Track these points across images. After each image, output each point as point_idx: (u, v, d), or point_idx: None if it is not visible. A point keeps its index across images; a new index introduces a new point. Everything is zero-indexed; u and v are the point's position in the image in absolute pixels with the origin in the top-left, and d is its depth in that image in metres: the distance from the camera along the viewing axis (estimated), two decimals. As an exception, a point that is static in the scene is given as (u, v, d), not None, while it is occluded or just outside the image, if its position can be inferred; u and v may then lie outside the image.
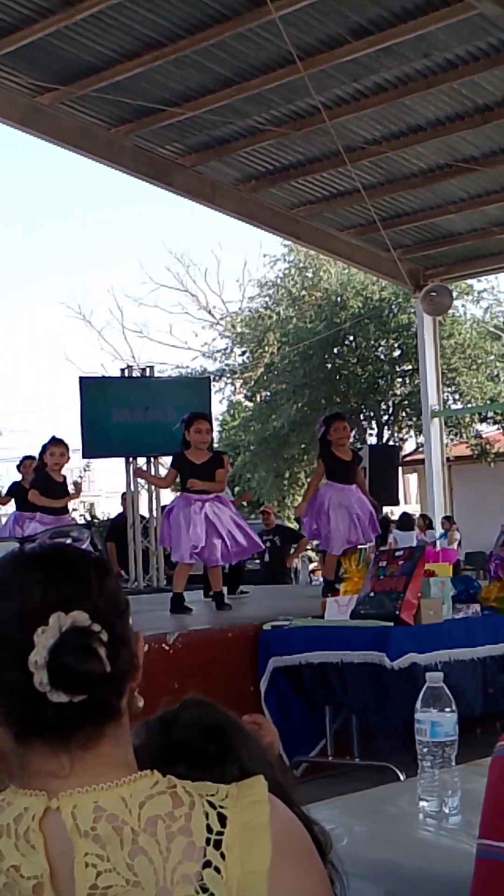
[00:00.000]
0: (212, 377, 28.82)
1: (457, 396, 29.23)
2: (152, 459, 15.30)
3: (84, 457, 15.69)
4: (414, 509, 27.69)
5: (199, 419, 9.32)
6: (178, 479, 9.52)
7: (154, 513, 15.39)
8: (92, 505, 29.14)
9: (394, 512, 21.63)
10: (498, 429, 29.93)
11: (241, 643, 6.98)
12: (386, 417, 31.54)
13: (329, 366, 30.60)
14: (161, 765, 1.36)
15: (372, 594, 6.63)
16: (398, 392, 31.12)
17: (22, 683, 1.28)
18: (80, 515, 25.95)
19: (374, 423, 31.78)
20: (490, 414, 29.64)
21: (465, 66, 12.77)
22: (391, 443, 29.58)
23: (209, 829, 1.28)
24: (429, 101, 13.65)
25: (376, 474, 16.43)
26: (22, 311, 60.46)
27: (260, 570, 16.07)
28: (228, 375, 32.44)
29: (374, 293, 30.11)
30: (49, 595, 1.31)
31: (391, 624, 6.36)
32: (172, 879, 1.25)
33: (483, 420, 29.94)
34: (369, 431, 31.58)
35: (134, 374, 15.38)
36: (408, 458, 28.85)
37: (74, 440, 13.04)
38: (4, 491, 13.36)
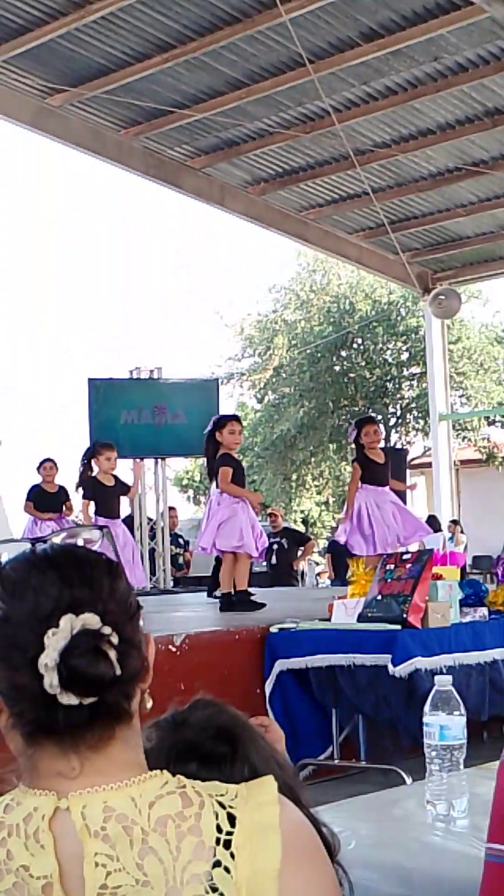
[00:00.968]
0: (220, 380, 28.85)
1: (464, 400, 29.22)
2: (160, 461, 15.31)
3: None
4: (421, 513, 27.64)
5: (232, 420, 9.35)
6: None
7: (161, 514, 15.41)
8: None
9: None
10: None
11: (248, 645, 6.97)
12: (393, 421, 31.53)
13: (337, 369, 30.61)
14: (172, 765, 1.36)
15: (379, 597, 6.62)
16: (406, 395, 31.12)
17: (32, 685, 1.28)
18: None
19: (381, 427, 31.74)
20: (497, 418, 29.62)
21: (475, 70, 12.76)
22: (399, 446, 29.56)
23: (219, 829, 1.28)
24: (438, 105, 13.64)
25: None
26: (29, 310, 60.51)
27: (267, 572, 16.06)
28: (237, 378, 32.44)
29: (382, 296, 30.12)
30: (60, 597, 1.31)
31: (399, 627, 6.35)
32: (182, 879, 1.25)
33: (491, 424, 29.93)
34: (377, 435, 31.52)
35: (142, 376, 15.39)
36: (415, 462, 28.82)
37: (82, 442, 13.10)
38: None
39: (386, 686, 6.21)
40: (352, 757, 6.71)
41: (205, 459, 9.54)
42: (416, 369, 29.80)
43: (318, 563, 22.79)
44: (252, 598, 8.96)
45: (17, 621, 1.31)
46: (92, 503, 10.50)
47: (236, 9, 11.58)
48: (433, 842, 2.51)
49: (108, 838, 1.26)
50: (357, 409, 30.27)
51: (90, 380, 14.75)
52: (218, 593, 9.74)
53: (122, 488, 10.77)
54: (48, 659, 1.27)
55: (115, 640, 1.31)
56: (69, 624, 1.29)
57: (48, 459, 12.99)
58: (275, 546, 16.62)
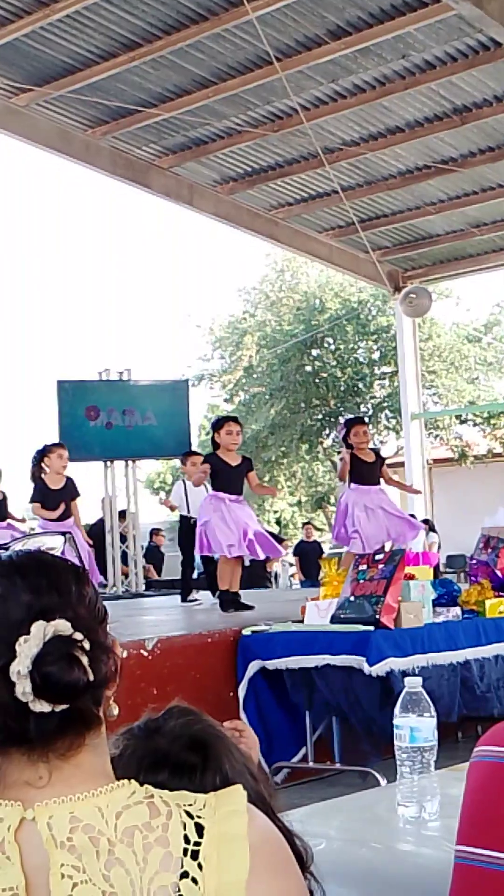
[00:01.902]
0: (190, 381, 28.88)
1: (436, 399, 29.31)
2: (130, 463, 15.28)
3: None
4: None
5: (229, 421, 9.61)
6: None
7: (133, 517, 15.37)
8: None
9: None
10: (478, 431, 30.03)
11: (221, 648, 6.96)
12: (365, 420, 31.57)
13: (308, 368, 30.65)
14: (143, 773, 1.35)
15: (352, 598, 6.62)
16: (377, 394, 31.19)
17: (2, 693, 1.27)
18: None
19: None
20: (469, 416, 29.73)
21: (444, 67, 12.80)
22: (371, 445, 29.60)
23: (186, 840, 1.27)
24: (407, 103, 13.68)
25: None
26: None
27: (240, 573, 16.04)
28: (207, 379, 32.43)
29: (352, 295, 30.17)
30: (30, 604, 1.30)
31: (371, 628, 6.35)
32: (149, 891, 1.24)
33: (462, 422, 30.03)
34: (349, 434, 31.58)
35: (111, 377, 15.35)
36: (388, 461, 28.86)
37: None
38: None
39: (359, 687, 6.21)
40: (326, 759, 6.72)
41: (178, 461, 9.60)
42: (387, 368, 29.87)
43: (291, 565, 22.82)
44: (236, 598, 8.99)
45: None
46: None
47: (203, 7, 11.57)
48: (403, 844, 2.50)
49: (74, 849, 1.25)
50: (328, 408, 30.33)
51: (59, 381, 14.71)
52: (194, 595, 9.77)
53: (73, 492, 10.42)
54: (20, 666, 1.26)
55: (86, 645, 1.30)
56: (41, 630, 1.28)
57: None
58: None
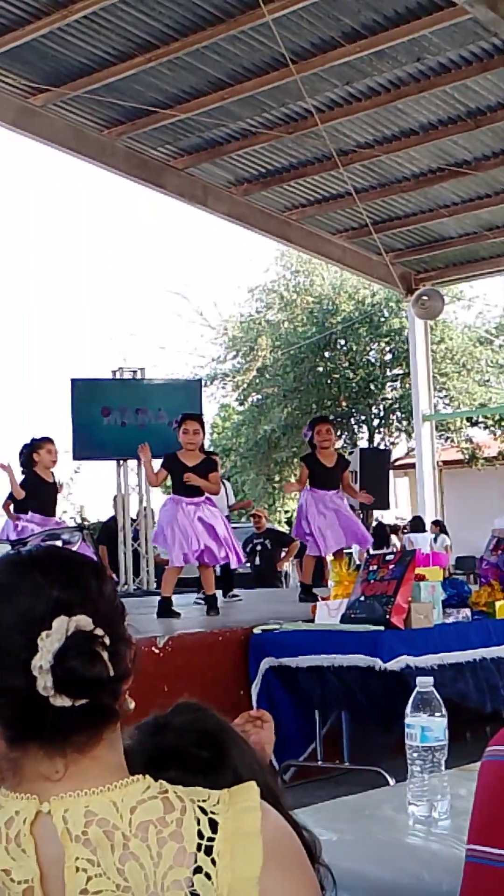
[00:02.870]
0: (203, 381, 28.88)
1: (447, 401, 29.25)
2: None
3: (74, 459, 15.65)
4: (404, 513, 27.69)
5: (187, 419, 9.28)
6: (168, 481, 9.51)
7: (146, 516, 15.38)
8: (82, 507, 29.09)
9: (384, 516, 21.62)
10: (488, 434, 29.98)
11: (232, 647, 6.98)
12: (377, 421, 31.53)
13: (320, 369, 30.59)
14: (152, 769, 1.36)
15: (362, 598, 6.63)
16: (389, 396, 31.12)
17: (23, 687, 1.28)
18: (71, 518, 25.92)
19: (364, 427, 31.77)
20: (480, 418, 29.67)
21: (458, 71, 12.78)
22: (382, 447, 29.59)
23: (200, 835, 1.28)
24: (421, 105, 13.66)
25: (367, 478, 16.41)
26: (11, 310, 60.34)
27: (251, 573, 16.05)
28: (220, 379, 32.40)
29: (365, 297, 30.12)
30: (52, 599, 1.31)
31: (381, 628, 6.36)
32: (163, 885, 1.25)
33: (473, 425, 29.97)
34: (360, 435, 31.57)
35: (125, 376, 15.37)
36: (399, 462, 28.84)
37: (65, 442, 13.03)
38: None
39: (369, 687, 6.22)
40: (335, 758, 6.72)
41: None
42: (399, 370, 29.81)
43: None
44: (171, 606, 8.86)
45: (6, 624, 1.30)
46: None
47: (219, 9, 11.58)
48: (414, 843, 2.51)
49: (89, 843, 1.26)
50: (341, 409, 30.27)
51: (73, 380, 14.72)
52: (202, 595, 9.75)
53: (57, 489, 10.26)
54: (42, 661, 1.27)
55: (107, 641, 1.31)
56: (63, 626, 1.28)
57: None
58: (258, 547, 16.61)
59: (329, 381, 30.56)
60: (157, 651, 6.51)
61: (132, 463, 15.06)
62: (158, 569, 15.82)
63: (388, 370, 30.78)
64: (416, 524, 20.47)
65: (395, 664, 6.15)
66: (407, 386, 25.79)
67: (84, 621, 1.30)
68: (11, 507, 12.13)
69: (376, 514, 19.22)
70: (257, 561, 16.56)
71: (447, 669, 6.43)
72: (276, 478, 31.69)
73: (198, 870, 1.26)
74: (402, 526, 21.11)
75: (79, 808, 1.28)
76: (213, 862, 1.26)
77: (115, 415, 14.50)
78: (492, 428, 29.69)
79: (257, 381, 31.73)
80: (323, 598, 7.73)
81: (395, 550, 11.64)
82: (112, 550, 14.46)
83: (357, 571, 7.19)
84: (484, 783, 1.81)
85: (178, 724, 1.62)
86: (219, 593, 9.74)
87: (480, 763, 1.83)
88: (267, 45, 11.97)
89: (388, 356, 30.63)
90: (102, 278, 61.99)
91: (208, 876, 1.26)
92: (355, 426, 31.68)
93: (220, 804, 1.31)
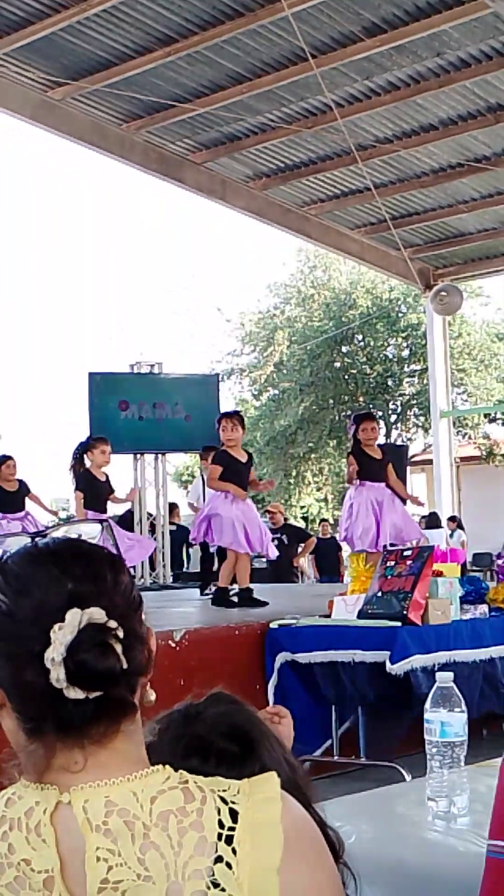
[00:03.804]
0: (220, 375, 28.94)
1: (465, 397, 29.23)
2: (160, 456, 15.31)
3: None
4: (421, 509, 27.63)
5: (223, 417, 9.40)
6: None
7: (161, 509, 15.40)
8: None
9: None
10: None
11: (248, 641, 6.97)
12: (394, 417, 31.54)
13: (337, 364, 30.62)
14: (180, 758, 1.36)
15: (380, 594, 6.62)
16: (406, 392, 31.12)
17: (38, 680, 1.28)
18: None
19: (382, 423, 31.76)
20: (498, 415, 29.64)
21: (478, 66, 12.77)
22: (399, 442, 29.57)
23: (221, 825, 1.27)
24: (441, 100, 13.65)
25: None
26: (29, 304, 60.53)
27: (267, 568, 16.05)
28: (237, 374, 32.44)
29: (383, 292, 30.12)
30: (66, 591, 1.31)
31: (399, 624, 6.35)
32: (184, 874, 1.25)
33: (491, 421, 29.94)
34: (377, 431, 31.55)
35: (142, 371, 15.39)
36: (416, 459, 28.82)
37: (81, 436, 13.02)
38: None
39: (387, 682, 6.21)
40: (351, 753, 6.71)
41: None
42: (416, 366, 29.81)
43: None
44: (253, 595, 8.96)
45: (21, 616, 1.31)
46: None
47: (238, 3, 11.58)
48: (434, 838, 2.51)
49: (109, 833, 1.26)
50: (357, 404, 30.27)
51: (90, 374, 14.74)
52: (211, 588, 9.76)
53: (111, 487, 10.48)
54: (55, 653, 1.27)
55: (120, 633, 1.31)
56: (76, 618, 1.28)
57: (7, 457, 12.72)
58: (275, 542, 16.61)
59: (346, 377, 30.57)
60: (173, 645, 6.51)
61: (149, 457, 15.08)
62: (174, 562, 15.88)
63: (405, 366, 30.77)
64: (432, 520, 20.45)
65: (410, 661, 6.14)
66: (424, 382, 25.77)
67: (97, 614, 1.29)
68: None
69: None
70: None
71: (464, 666, 6.42)
72: (293, 473, 31.71)
73: (218, 859, 1.25)
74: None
75: (99, 799, 1.28)
76: (234, 851, 1.26)
77: (132, 409, 14.52)
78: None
79: (274, 376, 31.76)
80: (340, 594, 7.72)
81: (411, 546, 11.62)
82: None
83: (374, 567, 7.18)
84: (505, 779, 1.80)
85: (211, 715, 1.61)
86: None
87: (502, 759, 1.83)
88: (286, 40, 11.97)
89: (406, 352, 30.64)
90: (117, 273, 62.13)
91: (229, 865, 1.25)
92: (372, 422, 31.61)
93: (240, 794, 1.31)
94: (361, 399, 30.59)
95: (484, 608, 7.06)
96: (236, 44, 12.36)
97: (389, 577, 6.64)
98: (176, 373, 15.78)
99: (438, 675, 2.71)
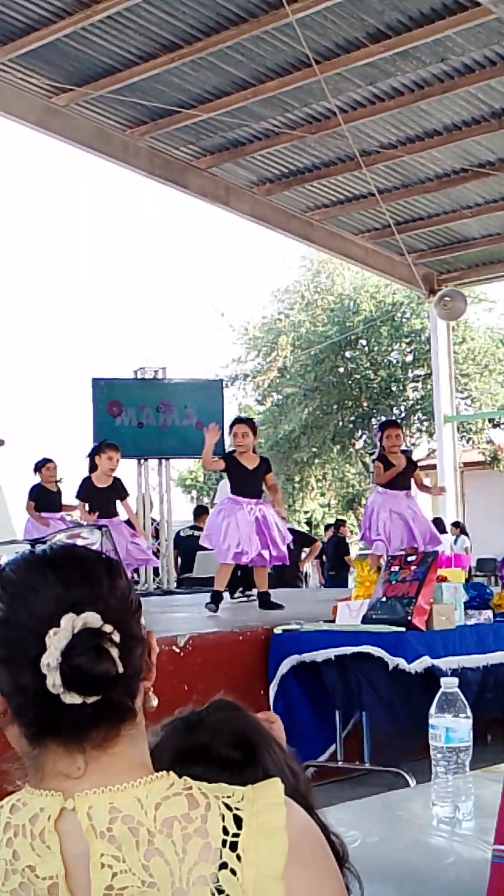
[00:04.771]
0: (224, 381, 28.95)
1: (469, 402, 29.23)
2: (164, 461, 15.32)
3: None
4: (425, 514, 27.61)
5: (235, 423, 9.49)
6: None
7: (165, 515, 15.40)
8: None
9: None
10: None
11: (252, 646, 6.98)
12: (399, 423, 31.50)
13: (341, 370, 30.62)
14: (181, 766, 1.36)
15: (384, 599, 6.62)
16: (410, 397, 31.11)
17: (35, 685, 1.28)
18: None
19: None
20: (502, 420, 29.62)
21: (482, 71, 12.77)
22: (403, 447, 29.53)
23: (225, 831, 1.28)
24: (445, 106, 13.65)
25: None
26: (32, 309, 60.56)
27: (272, 573, 16.04)
28: (241, 379, 32.45)
29: (387, 297, 30.12)
30: (60, 597, 1.31)
31: (403, 629, 6.35)
32: (188, 881, 1.25)
33: (495, 426, 29.93)
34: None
35: (146, 376, 15.39)
36: (420, 463, 28.78)
37: (85, 442, 13.06)
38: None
39: (390, 688, 6.21)
40: (355, 758, 6.71)
41: None
42: (420, 371, 29.81)
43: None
44: (218, 602, 9.02)
45: (17, 622, 1.31)
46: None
47: (243, 9, 11.59)
48: (438, 844, 2.50)
49: (114, 839, 1.26)
50: (361, 410, 30.28)
51: (94, 379, 14.75)
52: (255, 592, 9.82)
53: (120, 492, 10.50)
54: (50, 658, 1.27)
55: (116, 637, 1.31)
56: (70, 623, 1.29)
57: (49, 460, 12.90)
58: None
59: (350, 382, 30.58)
60: (177, 650, 6.51)
61: (153, 462, 15.09)
62: (184, 567, 15.88)
63: (409, 371, 30.78)
64: (437, 525, 20.41)
65: (416, 666, 6.14)
66: (428, 387, 25.78)
67: (92, 618, 1.30)
68: (33, 507, 12.30)
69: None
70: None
71: (468, 671, 6.42)
72: (297, 478, 31.71)
73: (223, 865, 1.26)
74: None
75: (103, 805, 1.28)
76: (238, 858, 1.26)
77: (135, 414, 14.53)
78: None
79: (278, 381, 31.77)
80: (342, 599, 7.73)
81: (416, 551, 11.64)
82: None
83: (378, 572, 7.18)
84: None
85: (212, 722, 1.61)
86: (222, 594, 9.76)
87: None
88: (290, 46, 11.98)
89: (410, 357, 30.63)
90: (117, 274, 62.19)
91: (233, 871, 1.26)
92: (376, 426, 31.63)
93: (244, 800, 1.31)
94: (365, 404, 30.60)
95: (488, 613, 7.07)
96: (240, 50, 12.36)
97: (394, 582, 6.65)
98: (180, 378, 15.79)
99: (443, 680, 2.71)
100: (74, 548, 1.42)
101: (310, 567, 18.46)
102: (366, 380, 30.50)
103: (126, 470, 14.90)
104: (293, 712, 6.75)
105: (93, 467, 10.25)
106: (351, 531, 24.17)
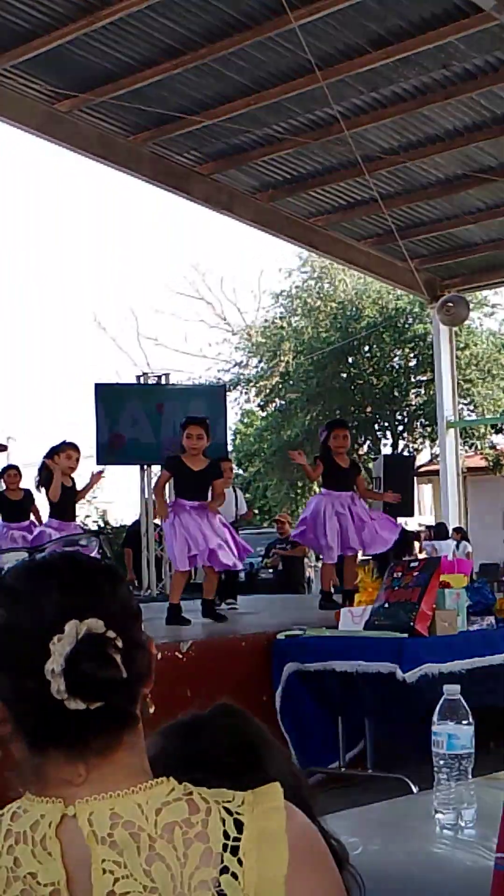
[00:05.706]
0: (227, 386, 28.93)
1: (471, 408, 29.22)
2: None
3: (98, 463, 15.65)
4: (428, 520, 27.65)
5: (189, 424, 8.92)
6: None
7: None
8: (105, 511, 29.10)
9: (408, 523, 21.59)
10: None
11: (255, 652, 6.97)
12: (401, 427, 31.53)
13: (344, 375, 30.63)
14: (183, 771, 1.36)
15: (386, 605, 6.61)
16: (413, 402, 31.12)
17: (38, 692, 1.29)
18: (94, 521, 25.96)
19: (388, 433, 31.78)
20: (505, 425, 29.65)
21: (484, 77, 12.78)
22: (406, 453, 29.57)
23: (226, 836, 1.28)
24: (447, 112, 13.65)
25: (391, 484, 16.37)
26: (35, 315, 60.62)
27: (274, 578, 16.05)
28: (244, 384, 32.45)
29: (389, 303, 30.13)
30: (63, 604, 1.32)
31: (405, 635, 6.34)
32: (190, 885, 1.25)
33: (498, 432, 29.92)
34: (384, 441, 31.59)
35: (149, 382, 15.40)
36: (423, 469, 28.81)
37: (89, 448, 13.04)
38: None
39: (394, 694, 6.20)
40: (359, 765, 6.70)
41: None
42: (423, 376, 29.82)
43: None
44: (181, 613, 8.57)
45: (21, 630, 1.32)
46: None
47: (245, 15, 11.59)
48: (441, 851, 2.50)
49: (115, 845, 1.26)
50: (364, 415, 30.29)
51: (96, 385, 14.75)
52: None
53: (76, 492, 10.21)
54: (55, 665, 1.28)
55: (119, 643, 1.32)
56: (74, 629, 1.29)
57: (11, 466, 12.73)
58: (282, 552, 16.59)
59: (353, 387, 30.59)
60: (179, 656, 6.50)
61: (156, 468, 15.08)
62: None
63: (412, 376, 30.79)
64: (439, 531, 20.45)
65: (418, 672, 6.12)
66: (431, 392, 25.78)
67: (95, 624, 1.31)
68: None
69: (400, 520, 19.18)
70: (280, 566, 16.54)
71: (472, 677, 6.40)
72: (299, 483, 31.71)
73: (224, 870, 1.26)
74: (419, 532, 21.05)
75: (104, 811, 1.28)
76: (240, 862, 1.27)
77: (139, 419, 14.52)
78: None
79: (280, 386, 31.78)
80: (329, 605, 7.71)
81: (418, 557, 11.63)
82: (137, 554, 14.48)
83: (381, 578, 7.17)
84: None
85: (215, 727, 1.61)
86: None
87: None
88: (293, 52, 11.98)
89: (413, 362, 30.65)
90: (117, 274, 62.33)
91: (235, 876, 1.26)
92: (379, 432, 31.69)
93: (244, 805, 1.31)
94: (368, 409, 30.61)
95: (491, 619, 7.06)
96: (243, 56, 12.37)
97: (396, 588, 6.64)
98: (183, 384, 15.81)
99: (446, 687, 2.70)
100: (75, 555, 1.43)
101: (313, 572, 18.45)
102: (368, 385, 30.52)
103: (129, 476, 14.93)
104: (297, 718, 6.74)
105: (47, 466, 9.96)
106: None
